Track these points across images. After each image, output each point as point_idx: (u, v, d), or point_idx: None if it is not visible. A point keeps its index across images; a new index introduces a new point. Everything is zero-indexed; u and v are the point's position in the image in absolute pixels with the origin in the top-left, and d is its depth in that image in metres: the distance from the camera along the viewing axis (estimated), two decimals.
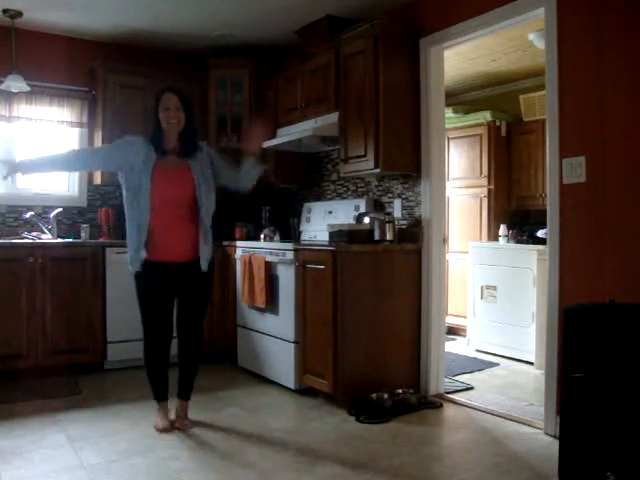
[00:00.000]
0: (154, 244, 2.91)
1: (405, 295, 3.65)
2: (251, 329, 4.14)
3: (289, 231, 4.76)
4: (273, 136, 4.55)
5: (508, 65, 5.02)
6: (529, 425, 3.13)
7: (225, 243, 4.48)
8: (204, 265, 3.00)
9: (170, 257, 2.94)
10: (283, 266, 3.77)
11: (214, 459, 2.70)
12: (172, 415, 3.11)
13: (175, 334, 3.09)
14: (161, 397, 3.08)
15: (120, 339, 4.14)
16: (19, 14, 4.03)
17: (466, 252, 5.23)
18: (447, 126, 4.36)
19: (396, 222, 3.78)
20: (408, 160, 3.71)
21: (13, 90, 4.14)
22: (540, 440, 2.92)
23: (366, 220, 3.83)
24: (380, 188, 4.12)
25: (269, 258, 3.88)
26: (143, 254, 2.90)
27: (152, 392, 3.09)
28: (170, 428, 3.01)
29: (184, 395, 3.15)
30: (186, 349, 3.12)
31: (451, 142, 5.53)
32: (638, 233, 2.64)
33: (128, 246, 2.98)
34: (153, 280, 2.96)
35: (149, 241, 2.91)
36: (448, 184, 4.45)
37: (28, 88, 4.15)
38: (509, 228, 5.12)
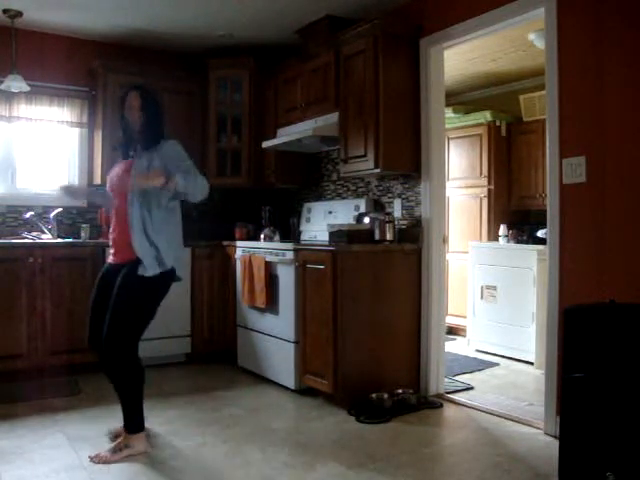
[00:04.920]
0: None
1: (405, 295, 3.65)
2: (251, 329, 4.14)
3: (289, 231, 4.76)
4: (273, 136, 4.55)
5: (508, 65, 5.02)
6: (529, 425, 3.13)
7: (225, 243, 4.48)
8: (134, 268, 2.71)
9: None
10: (283, 266, 3.77)
11: (214, 459, 2.70)
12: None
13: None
14: None
15: None
16: (19, 14, 4.03)
17: (466, 252, 5.23)
18: (447, 126, 4.36)
19: (396, 222, 3.78)
20: (408, 160, 3.71)
21: (13, 90, 4.14)
22: (540, 440, 2.93)
23: (366, 220, 3.83)
24: (380, 188, 4.12)
25: (269, 258, 3.88)
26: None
27: (141, 420, 2.76)
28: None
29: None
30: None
31: (451, 142, 5.53)
32: (638, 233, 2.64)
33: (174, 248, 2.83)
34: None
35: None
36: (448, 184, 4.45)
37: (28, 88, 4.15)
38: (509, 228, 5.12)
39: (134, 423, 2.72)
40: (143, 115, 2.82)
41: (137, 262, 2.72)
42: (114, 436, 2.83)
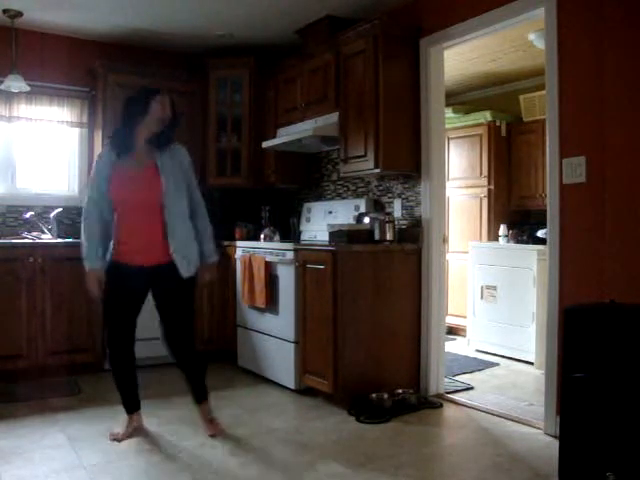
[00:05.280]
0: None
1: (405, 295, 3.65)
2: (251, 329, 4.14)
3: (289, 231, 4.76)
4: (273, 136, 4.55)
5: (508, 65, 5.02)
6: (529, 425, 3.13)
7: (225, 243, 4.48)
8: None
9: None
10: (283, 266, 3.77)
11: (214, 459, 2.69)
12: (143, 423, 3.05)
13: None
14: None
15: None
16: (19, 14, 4.03)
17: (466, 252, 5.23)
18: (447, 126, 4.36)
19: (396, 222, 3.78)
20: (408, 160, 3.71)
21: (13, 90, 4.14)
22: (540, 440, 2.92)
23: (366, 220, 3.83)
24: (380, 188, 4.12)
25: (269, 258, 3.88)
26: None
27: (124, 404, 2.99)
28: (124, 437, 2.89)
29: (198, 398, 3.04)
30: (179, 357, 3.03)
31: (451, 142, 5.53)
32: (638, 233, 2.64)
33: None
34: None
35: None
36: (448, 184, 4.45)
37: (28, 88, 4.15)
38: (509, 228, 5.13)
39: (206, 391, 3.05)
40: (171, 118, 2.90)
41: (173, 264, 2.84)
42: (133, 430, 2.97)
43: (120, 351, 2.94)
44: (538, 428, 3.06)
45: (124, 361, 2.95)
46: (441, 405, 3.49)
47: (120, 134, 2.90)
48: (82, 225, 2.88)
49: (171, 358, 3.02)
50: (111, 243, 2.87)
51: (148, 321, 4.24)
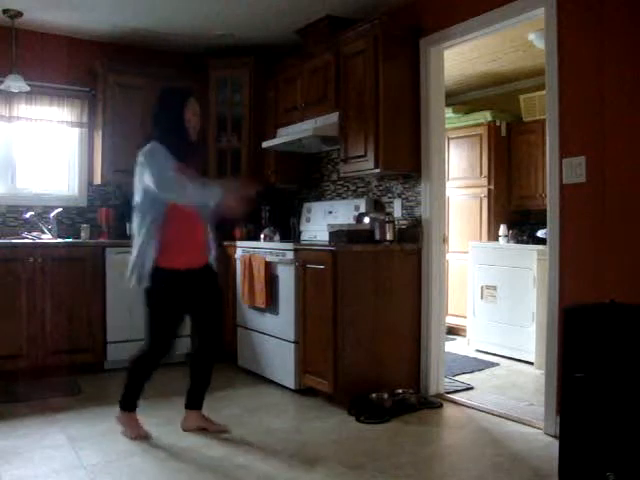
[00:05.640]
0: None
1: (405, 295, 3.65)
2: (251, 329, 4.14)
3: (289, 231, 4.76)
4: (273, 136, 4.55)
5: (508, 65, 5.02)
6: (529, 425, 3.13)
7: (225, 243, 4.48)
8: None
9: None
10: (283, 266, 3.77)
11: (214, 459, 2.70)
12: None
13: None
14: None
15: (120, 339, 4.14)
16: (19, 14, 4.03)
17: (466, 252, 5.23)
18: (447, 126, 4.36)
19: (396, 222, 3.78)
20: (408, 160, 3.71)
21: (13, 90, 4.14)
22: (540, 440, 2.92)
23: (366, 220, 3.83)
24: (380, 188, 4.12)
25: (269, 258, 3.88)
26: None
27: (130, 401, 2.94)
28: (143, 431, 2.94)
29: (199, 404, 3.04)
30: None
31: (451, 142, 5.53)
32: (638, 233, 2.64)
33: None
34: None
35: None
36: (448, 184, 4.45)
37: (28, 88, 4.15)
38: (509, 228, 5.12)
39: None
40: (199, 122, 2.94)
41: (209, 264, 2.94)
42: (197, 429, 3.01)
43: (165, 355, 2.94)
44: (538, 428, 3.06)
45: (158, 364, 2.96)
46: (441, 405, 3.49)
47: (179, 132, 2.85)
48: (190, 189, 2.70)
49: (197, 358, 3.02)
50: (156, 246, 2.76)
51: None
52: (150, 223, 2.76)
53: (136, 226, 2.84)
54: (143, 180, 2.77)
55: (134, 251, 2.84)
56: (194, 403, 3.03)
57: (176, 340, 2.93)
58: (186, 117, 2.85)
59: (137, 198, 2.84)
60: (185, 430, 3.01)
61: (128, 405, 2.94)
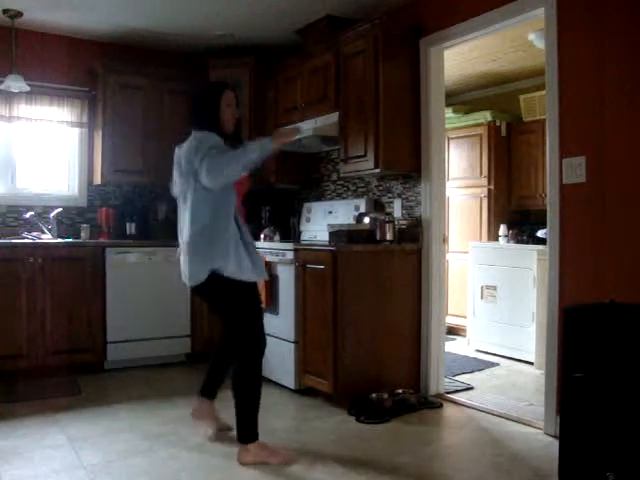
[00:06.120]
0: None
1: (405, 295, 3.65)
2: None
3: (289, 231, 4.76)
4: None
5: (508, 65, 5.02)
6: (529, 425, 3.13)
7: None
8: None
9: None
10: (283, 266, 3.77)
11: (214, 459, 2.70)
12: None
13: None
14: None
15: (120, 339, 4.14)
16: (19, 14, 4.03)
17: (466, 252, 5.23)
18: (447, 126, 4.36)
19: (396, 222, 3.78)
20: (408, 160, 3.71)
21: (13, 90, 4.14)
22: (540, 440, 2.92)
23: (366, 220, 3.83)
24: (380, 188, 4.12)
25: (269, 258, 3.88)
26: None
27: (254, 425, 2.76)
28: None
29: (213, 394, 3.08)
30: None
31: (451, 142, 5.53)
32: (638, 233, 2.64)
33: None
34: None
35: None
36: (448, 184, 4.45)
37: (28, 88, 4.15)
38: (509, 228, 5.12)
39: None
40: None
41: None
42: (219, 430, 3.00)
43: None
44: (538, 428, 3.06)
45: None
46: (441, 405, 3.49)
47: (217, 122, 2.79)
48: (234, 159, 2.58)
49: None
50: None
51: (150, 321, 4.27)
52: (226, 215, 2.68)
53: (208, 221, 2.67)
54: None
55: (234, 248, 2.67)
56: (209, 392, 3.02)
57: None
58: (222, 109, 2.77)
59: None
60: (196, 420, 2.98)
61: (253, 434, 2.73)
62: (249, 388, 2.79)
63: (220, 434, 2.98)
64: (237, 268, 2.65)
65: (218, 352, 3.07)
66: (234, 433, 2.98)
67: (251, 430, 2.71)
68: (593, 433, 2.20)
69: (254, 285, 2.82)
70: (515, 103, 5.36)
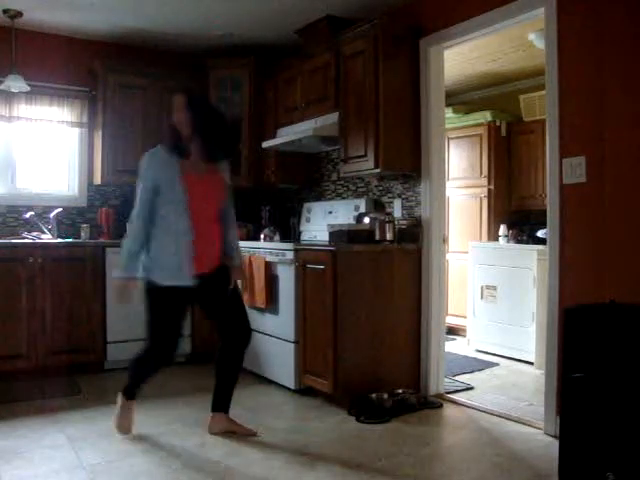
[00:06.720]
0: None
1: (405, 295, 3.65)
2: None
3: (289, 231, 4.76)
4: (273, 136, 4.55)
5: (508, 65, 5.02)
6: (529, 425, 3.13)
7: None
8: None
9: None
10: (283, 266, 3.77)
11: (214, 459, 2.69)
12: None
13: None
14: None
15: (120, 339, 4.14)
16: (19, 14, 4.03)
17: (466, 252, 5.23)
18: (447, 126, 4.36)
19: (396, 222, 3.78)
20: (408, 160, 3.71)
21: (13, 90, 4.14)
22: (540, 440, 2.92)
23: (366, 220, 3.82)
24: (380, 188, 4.12)
25: (269, 258, 3.88)
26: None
27: (133, 388, 2.94)
28: (130, 424, 2.95)
29: (225, 407, 3.01)
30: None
31: (451, 142, 5.53)
32: (638, 233, 2.64)
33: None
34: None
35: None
36: (448, 184, 4.45)
37: (28, 88, 4.15)
38: (509, 228, 5.12)
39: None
40: (193, 120, 2.81)
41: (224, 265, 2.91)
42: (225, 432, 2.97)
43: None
44: (538, 428, 3.06)
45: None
46: (441, 405, 3.49)
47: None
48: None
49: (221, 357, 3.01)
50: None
51: None
52: None
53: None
54: None
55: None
56: (219, 405, 2.99)
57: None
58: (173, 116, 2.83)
59: None
60: (212, 433, 2.96)
61: (134, 392, 2.95)
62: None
63: (221, 434, 2.97)
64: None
65: (217, 362, 3.02)
66: (237, 434, 2.99)
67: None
68: (593, 433, 2.21)
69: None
70: (515, 103, 5.36)
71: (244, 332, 2.97)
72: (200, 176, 2.80)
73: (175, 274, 2.73)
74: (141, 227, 2.78)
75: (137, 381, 2.95)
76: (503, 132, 5.41)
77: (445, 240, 3.82)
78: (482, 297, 5.02)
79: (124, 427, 2.93)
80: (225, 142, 2.95)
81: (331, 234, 3.76)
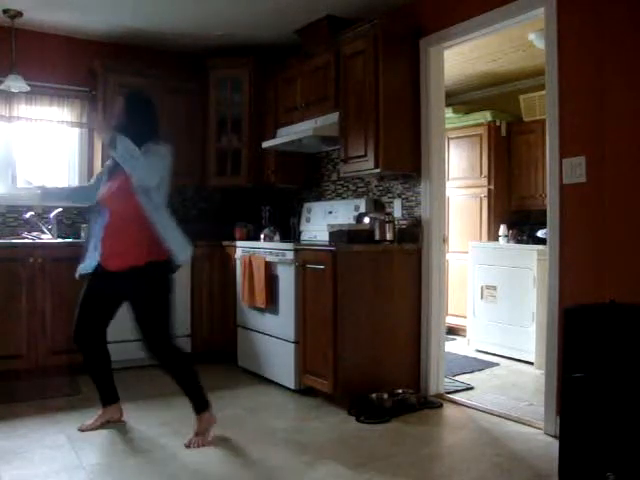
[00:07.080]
0: None
1: (405, 295, 3.65)
2: (251, 329, 4.14)
3: (289, 231, 4.76)
4: (273, 136, 4.55)
5: (508, 65, 5.02)
6: (529, 425, 3.13)
7: (225, 243, 4.48)
8: None
9: None
10: (283, 266, 3.77)
11: (214, 459, 2.70)
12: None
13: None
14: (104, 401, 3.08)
15: (120, 339, 4.12)
16: (19, 14, 4.03)
17: (466, 252, 5.23)
18: (447, 126, 4.36)
19: (396, 222, 3.78)
20: (408, 160, 3.71)
21: (13, 90, 4.13)
22: (540, 440, 2.93)
23: (366, 220, 3.83)
24: (380, 188, 4.12)
25: (269, 258, 3.88)
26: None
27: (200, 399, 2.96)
28: (88, 429, 2.99)
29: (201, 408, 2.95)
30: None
31: (451, 142, 5.53)
32: (638, 233, 2.64)
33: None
34: None
35: None
36: (448, 184, 4.45)
37: (28, 88, 4.15)
38: (509, 228, 5.13)
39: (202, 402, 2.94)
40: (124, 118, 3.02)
41: (149, 266, 2.87)
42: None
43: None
44: (538, 428, 3.06)
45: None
46: (441, 405, 3.49)
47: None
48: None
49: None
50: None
51: None
52: None
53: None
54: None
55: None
56: (195, 407, 2.96)
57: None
58: None
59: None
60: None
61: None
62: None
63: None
64: None
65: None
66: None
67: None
68: (593, 433, 2.21)
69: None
70: (515, 103, 5.36)
71: (148, 348, 2.96)
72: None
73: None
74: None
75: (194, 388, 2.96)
76: (503, 132, 5.41)
77: (445, 240, 3.82)
78: (482, 297, 5.02)
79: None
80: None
81: (331, 234, 3.76)
